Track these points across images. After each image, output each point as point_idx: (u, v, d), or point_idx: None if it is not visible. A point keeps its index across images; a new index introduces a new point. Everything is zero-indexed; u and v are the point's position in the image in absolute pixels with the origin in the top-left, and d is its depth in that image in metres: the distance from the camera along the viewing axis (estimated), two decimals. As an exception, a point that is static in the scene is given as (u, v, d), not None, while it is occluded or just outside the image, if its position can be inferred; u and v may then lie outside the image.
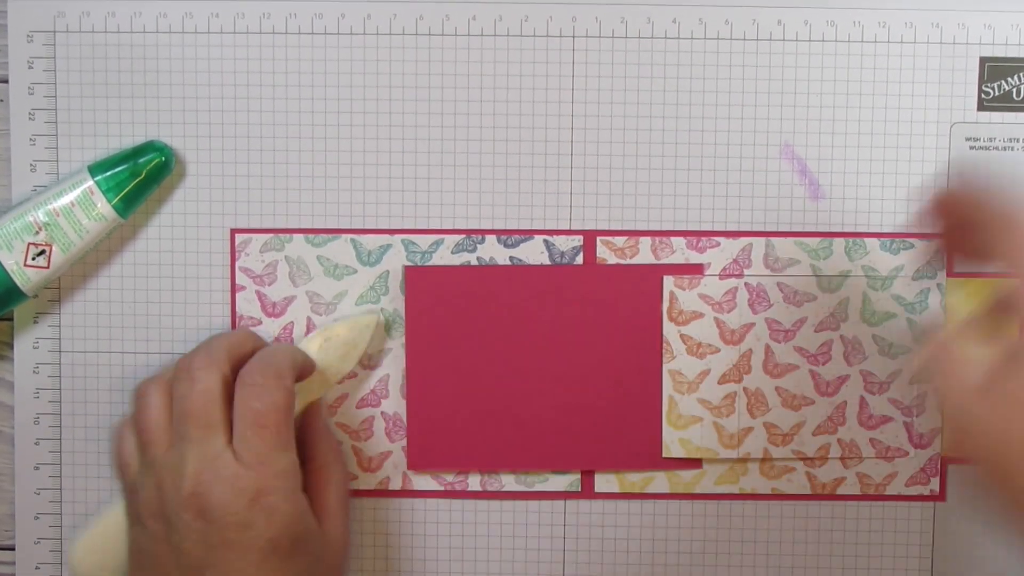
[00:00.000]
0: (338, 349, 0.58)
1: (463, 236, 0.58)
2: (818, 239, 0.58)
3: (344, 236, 0.58)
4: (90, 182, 0.56)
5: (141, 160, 0.56)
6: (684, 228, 0.58)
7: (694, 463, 0.59)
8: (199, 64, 0.58)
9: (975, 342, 0.43)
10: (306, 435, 0.56)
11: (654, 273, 0.58)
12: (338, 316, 0.58)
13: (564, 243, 0.58)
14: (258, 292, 0.59)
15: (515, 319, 0.58)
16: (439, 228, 0.58)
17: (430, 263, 0.58)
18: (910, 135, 0.58)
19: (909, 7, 0.58)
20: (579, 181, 0.58)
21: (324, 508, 0.54)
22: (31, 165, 0.58)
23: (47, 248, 0.56)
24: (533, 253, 0.58)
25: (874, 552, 0.59)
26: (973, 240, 0.45)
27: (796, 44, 0.58)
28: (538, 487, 0.59)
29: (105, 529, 0.57)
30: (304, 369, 0.54)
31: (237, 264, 0.59)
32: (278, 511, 0.50)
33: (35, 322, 0.59)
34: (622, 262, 0.58)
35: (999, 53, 0.57)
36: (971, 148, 0.58)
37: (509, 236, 0.58)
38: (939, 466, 0.59)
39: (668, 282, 0.58)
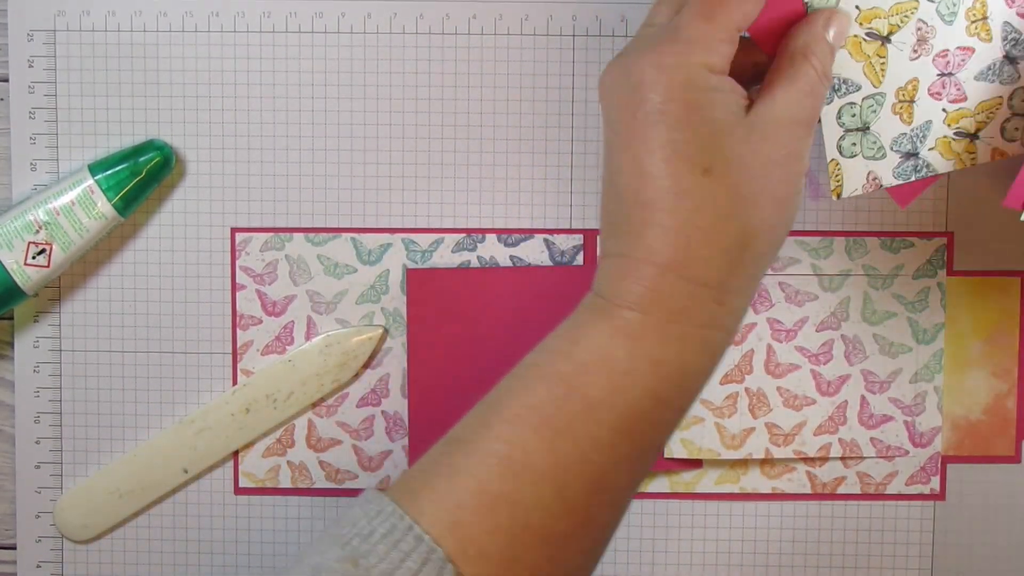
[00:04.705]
0: (339, 356, 0.58)
1: (463, 235, 0.58)
2: (818, 238, 0.58)
3: (344, 235, 0.58)
4: (90, 181, 0.56)
5: (141, 159, 0.56)
6: (684, 227, 0.58)
7: (695, 463, 0.59)
8: (199, 63, 0.58)
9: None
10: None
11: (654, 272, 0.58)
12: (339, 316, 0.58)
13: (564, 242, 0.58)
14: (258, 291, 0.59)
15: (515, 320, 0.58)
16: (439, 227, 0.58)
17: (430, 262, 0.58)
18: (911, 134, 0.58)
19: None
20: (579, 180, 0.58)
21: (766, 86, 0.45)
22: (31, 164, 0.58)
23: (47, 247, 0.56)
24: (533, 252, 0.58)
25: (874, 552, 0.59)
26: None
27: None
28: (538, 486, 0.59)
29: (91, 487, 0.58)
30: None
31: (237, 263, 0.59)
32: (667, 68, 0.43)
33: (35, 321, 0.59)
34: (622, 261, 0.58)
35: (1000, 52, 0.57)
36: (972, 147, 0.58)
37: (509, 235, 0.58)
38: (939, 465, 0.59)
39: (668, 281, 0.58)
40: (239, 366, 0.59)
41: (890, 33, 0.49)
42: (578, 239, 0.58)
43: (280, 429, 0.59)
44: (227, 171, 0.58)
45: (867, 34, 0.49)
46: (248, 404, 0.58)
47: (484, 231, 0.58)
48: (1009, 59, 0.49)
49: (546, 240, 0.58)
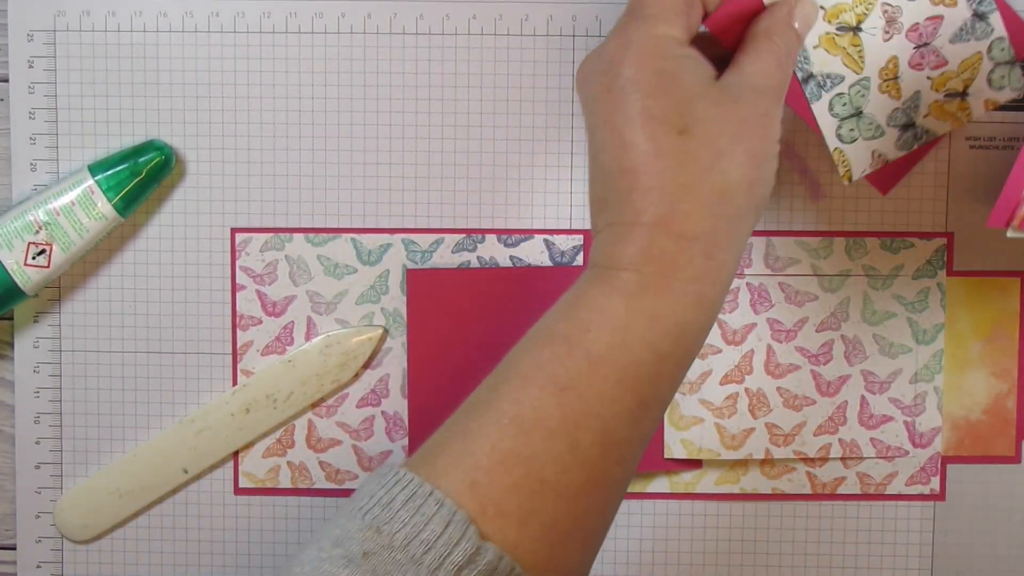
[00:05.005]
0: (339, 357, 0.58)
1: (463, 236, 0.58)
2: (818, 238, 0.58)
3: (344, 235, 0.58)
4: (90, 181, 0.56)
5: (141, 159, 0.56)
6: (684, 227, 0.58)
7: (695, 463, 0.59)
8: (199, 64, 0.58)
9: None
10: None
11: (654, 272, 0.58)
12: (339, 316, 0.58)
13: (564, 242, 0.58)
14: (258, 291, 0.59)
15: (515, 320, 0.58)
16: (439, 227, 0.58)
17: (430, 262, 0.58)
18: (911, 134, 0.58)
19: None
20: (579, 180, 0.58)
21: (742, 49, 0.47)
22: (31, 164, 0.58)
23: (47, 247, 0.56)
24: (533, 252, 0.58)
25: (874, 552, 0.59)
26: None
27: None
28: (538, 486, 0.59)
29: (91, 487, 0.59)
30: None
31: (237, 263, 0.59)
32: (633, 45, 0.45)
33: (35, 321, 0.59)
34: (622, 261, 0.58)
35: (1000, 52, 0.57)
36: (971, 147, 0.58)
37: (509, 235, 0.58)
38: (939, 465, 0.59)
39: (668, 281, 0.58)
40: (239, 366, 0.59)
41: (859, 22, 0.51)
42: (578, 239, 0.58)
43: (280, 429, 0.59)
44: (227, 171, 0.58)
45: (838, 29, 0.51)
46: (248, 404, 0.58)
47: (484, 231, 0.58)
48: (978, 15, 0.51)
49: (546, 240, 0.58)
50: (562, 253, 0.58)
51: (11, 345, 0.59)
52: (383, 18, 0.58)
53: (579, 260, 0.58)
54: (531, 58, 0.58)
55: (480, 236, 0.58)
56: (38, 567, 0.60)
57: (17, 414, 0.59)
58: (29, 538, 0.60)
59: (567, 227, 0.58)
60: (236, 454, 0.59)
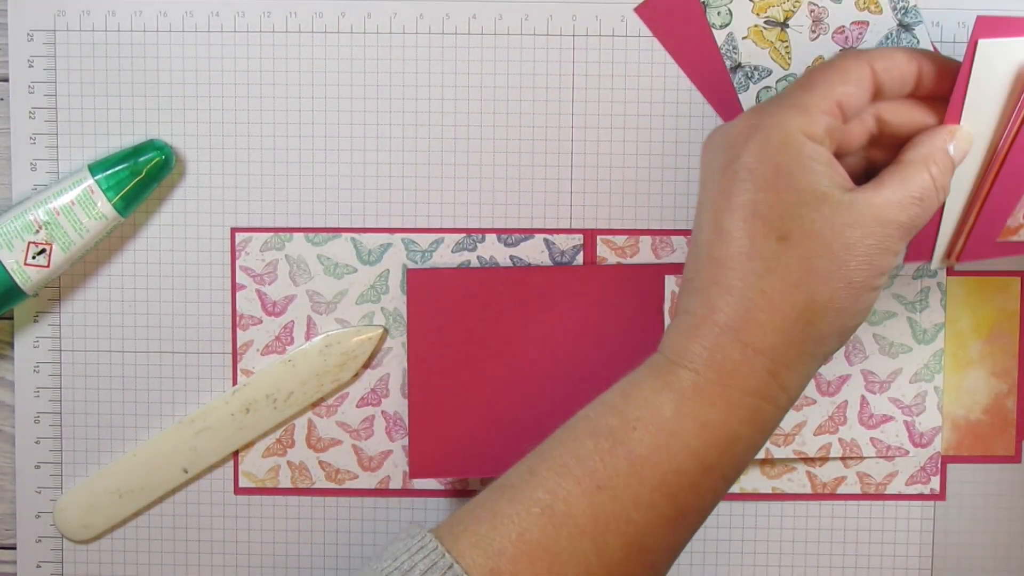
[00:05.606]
0: (339, 356, 0.58)
1: (463, 235, 0.58)
2: (819, 238, 0.58)
3: (344, 235, 0.58)
4: (90, 181, 0.56)
5: (141, 159, 0.56)
6: (684, 227, 0.58)
7: (694, 462, 0.59)
8: (199, 63, 0.58)
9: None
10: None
11: (655, 273, 0.58)
12: (339, 316, 0.58)
13: (564, 242, 0.58)
14: (258, 291, 0.59)
15: (516, 320, 0.58)
16: (439, 227, 0.58)
17: (430, 262, 0.58)
18: (911, 134, 0.58)
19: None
20: (579, 180, 0.58)
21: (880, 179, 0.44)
22: (31, 164, 0.58)
23: (47, 247, 0.56)
24: (533, 252, 0.58)
25: (874, 552, 0.59)
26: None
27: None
28: (538, 486, 0.59)
29: (91, 487, 0.59)
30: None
31: (237, 263, 0.59)
32: (765, 135, 0.42)
33: (35, 321, 0.59)
34: (622, 261, 0.58)
35: (1000, 52, 0.57)
36: (972, 147, 0.58)
37: (509, 235, 0.58)
38: (939, 465, 0.59)
39: (670, 281, 0.58)
40: (239, 366, 0.59)
41: (786, 19, 0.53)
42: (578, 239, 0.58)
43: (280, 429, 0.59)
44: (227, 171, 0.58)
45: (765, 22, 0.52)
46: (248, 404, 0.58)
47: (484, 231, 0.58)
48: (904, 27, 0.53)
49: (546, 240, 0.58)
50: (562, 253, 0.58)
51: (11, 345, 0.59)
52: (383, 18, 0.58)
53: (579, 260, 0.58)
54: (531, 58, 0.58)
55: (480, 236, 0.58)
56: (38, 567, 0.60)
57: (17, 414, 0.60)
58: (29, 538, 0.60)
59: (567, 227, 0.58)
60: (236, 454, 0.59)
